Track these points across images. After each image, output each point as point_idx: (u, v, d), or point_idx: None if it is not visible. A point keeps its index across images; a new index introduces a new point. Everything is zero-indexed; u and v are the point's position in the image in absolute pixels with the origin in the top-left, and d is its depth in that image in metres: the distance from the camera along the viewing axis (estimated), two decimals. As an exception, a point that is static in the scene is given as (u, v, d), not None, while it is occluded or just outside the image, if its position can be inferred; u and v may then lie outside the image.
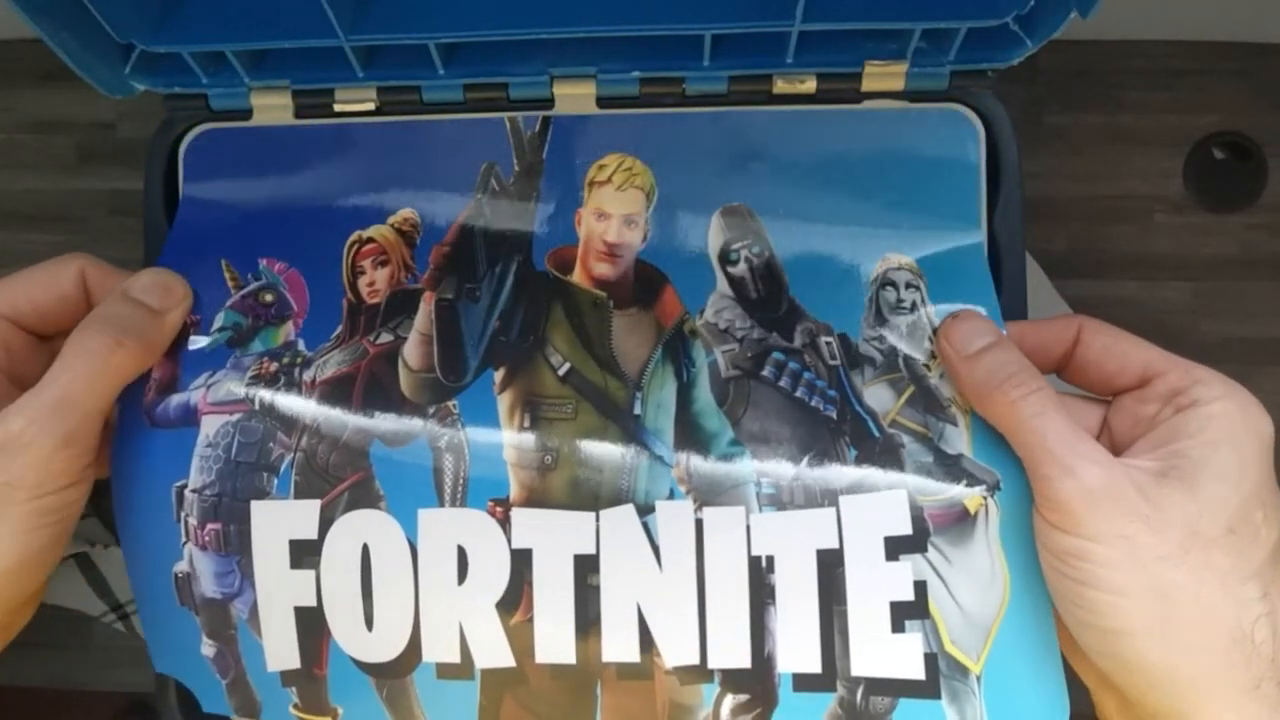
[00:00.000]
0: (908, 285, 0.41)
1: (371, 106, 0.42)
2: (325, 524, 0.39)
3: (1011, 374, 0.36)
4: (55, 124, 0.70)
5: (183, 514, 0.40)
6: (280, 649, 0.39)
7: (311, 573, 0.39)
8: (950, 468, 0.39)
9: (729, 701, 0.39)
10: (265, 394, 0.41)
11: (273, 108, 0.42)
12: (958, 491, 0.39)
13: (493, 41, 0.41)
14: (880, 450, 0.40)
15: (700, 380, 0.40)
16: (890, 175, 0.42)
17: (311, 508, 0.40)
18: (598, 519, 0.39)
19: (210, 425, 0.41)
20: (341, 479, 0.40)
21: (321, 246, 0.42)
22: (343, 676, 0.39)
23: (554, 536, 0.39)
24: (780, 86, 0.42)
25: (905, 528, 0.38)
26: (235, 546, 0.40)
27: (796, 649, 0.39)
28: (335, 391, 0.41)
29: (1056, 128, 0.70)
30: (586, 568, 0.39)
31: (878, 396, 0.40)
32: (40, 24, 0.37)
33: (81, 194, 0.72)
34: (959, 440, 0.39)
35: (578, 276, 0.41)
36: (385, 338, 0.41)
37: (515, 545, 0.39)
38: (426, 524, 0.39)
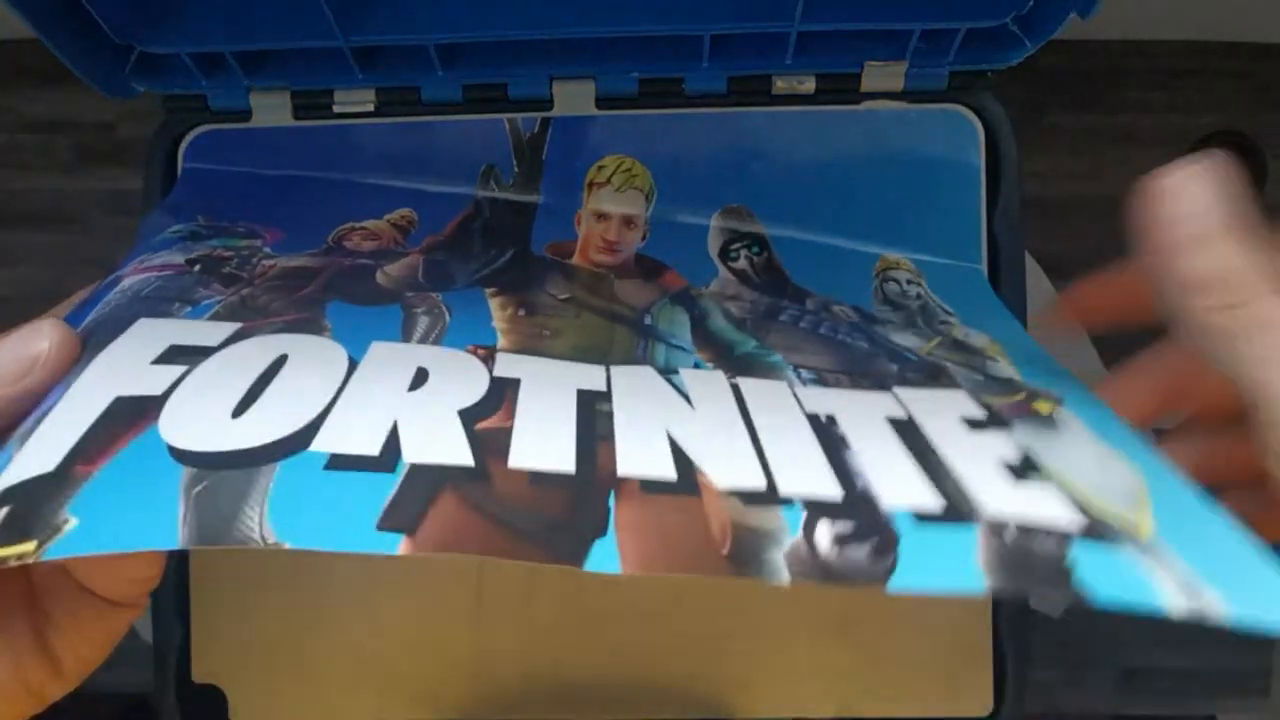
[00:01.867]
0: (909, 281, 0.41)
1: (370, 107, 0.42)
2: (236, 338, 0.30)
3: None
4: (55, 124, 0.70)
5: None
6: (36, 453, 0.25)
7: (180, 368, 0.28)
8: (1005, 383, 0.33)
9: (826, 528, 0.25)
10: (209, 264, 0.35)
11: (272, 108, 0.42)
12: (1022, 397, 0.32)
13: (491, 42, 0.41)
14: (923, 367, 0.34)
15: (713, 315, 0.38)
16: (890, 176, 0.42)
17: (222, 327, 0.30)
18: (608, 370, 0.31)
19: (130, 280, 0.33)
20: (280, 315, 0.32)
21: (311, 229, 0.41)
22: (122, 474, 0.24)
23: (551, 371, 0.31)
24: (779, 87, 0.42)
25: (978, 413, 0.30)
26: (81, 357, 0.29)
27: (901, 484, 0.27)
28: (297, 271, 0.36)
29: (1056, 128, 0.71)
30: (594, 399, 0.29)
31: (907, 340, 0.37)
32: (39, 26, 0.37)
33: (81, 194, 0.72)
34: (1007, 371, 0.34)
35: (577, 261, 0.41)
36: (364, 261, 0.38)
37: (498, 374, 0.30)
38: (380, 350, 0.31)
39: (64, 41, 0.38)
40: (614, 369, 0.31)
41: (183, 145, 0.42)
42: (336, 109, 0.42)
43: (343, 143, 0.42)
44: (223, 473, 0.24)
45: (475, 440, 0.26)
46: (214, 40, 0.40)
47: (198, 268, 0.34)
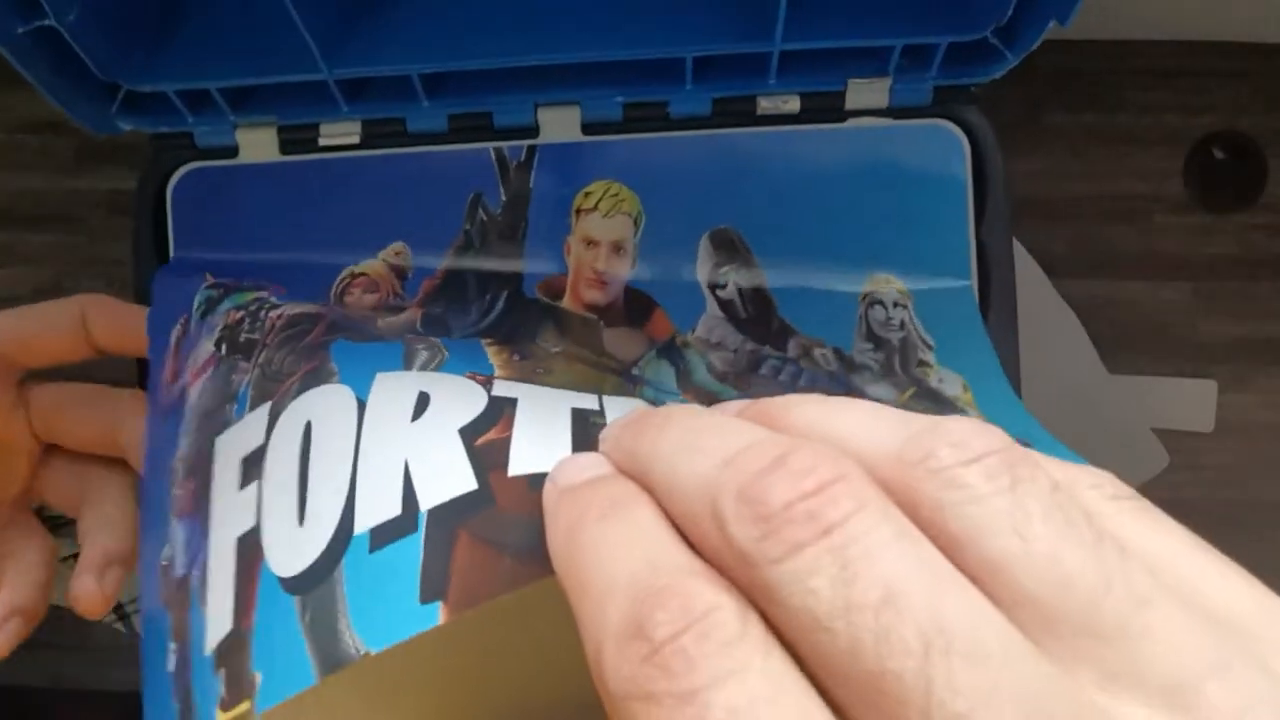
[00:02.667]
0: (895, 304, 0.41)
1: (356, 139, 0.42)
2: (273, 421, 0.32)
3: None
4: (55, 124, 0.71)
5: (173, 491, 0.34)
6: (217, 611, 0.30)
7: (255, 485, 0.31)
8: None
9: None
10: (230, 337, 0.37)
11: (259, 144, 0.42)
12: None
13: (476, 71, 0.41)
14: None
15: (697, 371, 0.39)
16: (877, 192, 0.42)
17: (261, 413, 0.33)
18: (601, 399, 0.32)
19: (194, 394, 0.36)
20: (294, 374, 0.34)
21: (311, 280, 0.42)
22: (267, 621, 0.28)
23: (548, 394, 0.32)
24: (764, 107, 0.42)
25: None
26: (199, 498, 0.33)
27: None
28: (301, 316, 0.37)
29: (1056, 128, 0.70)
30: (589, 416, 0.30)
31: (880, 393, 0.39)
32: (26, 65, 0.37)
33: (81, 194, 0.72)
34: None
35: (568, 303, 0.41)
36: (368, 303, 0.40)
37: (496, 394, 0.31)
38: (383, 382, 0.32)
39: (50, 80, 0.38)
40: (606, 397, 0.32)
41: (170, 184, 0.42)
42: (322, 142, 0.42)
43: (329, 177, 0.42)
44: (314, 592, 0.27)
45: (476, 457, 0.28)
46: (200, 76, 0.40)
47: (224, 348, 0.37)
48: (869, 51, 0.40)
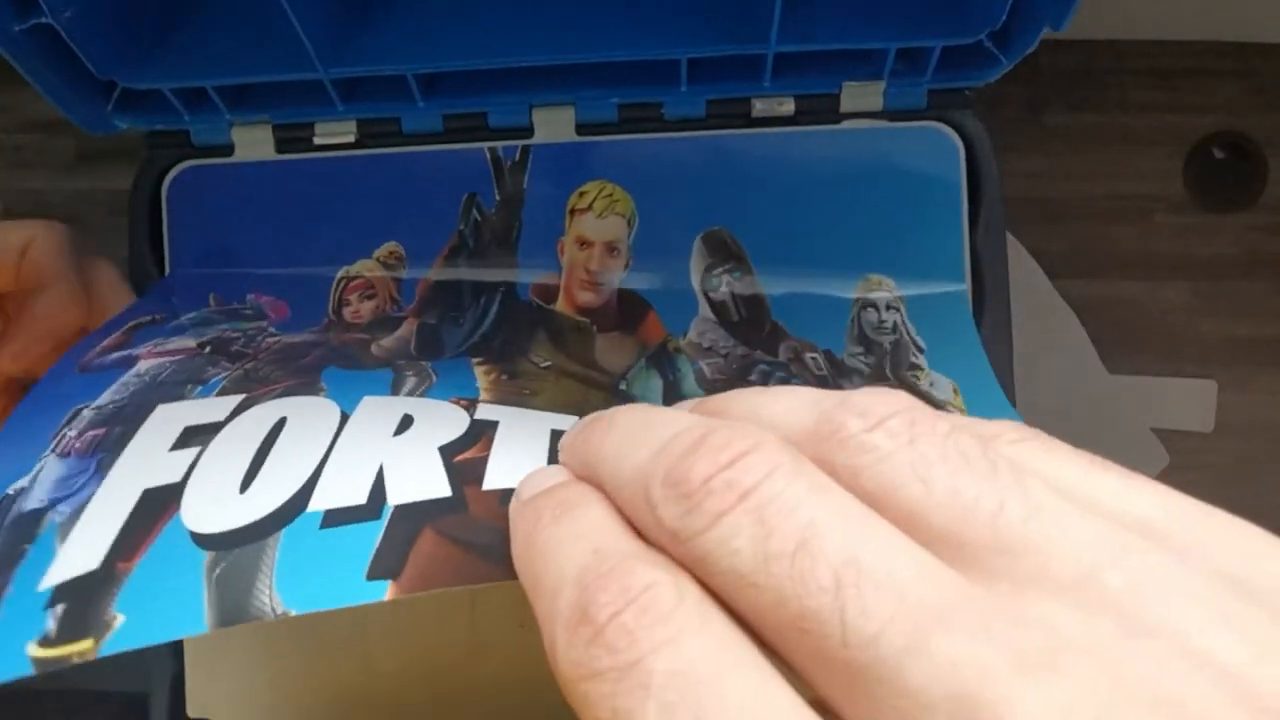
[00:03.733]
0: (888, 306, 0.41)
1: (351, 139, 0.42)
2: (242, 409, 0.31)
3: None
4: (55, 124, 0.70)
5: (62, 430, 0.32)
6: (81, 548, 0.27)
7: (194, 450, 0.30)
8: None
9: None
10: (220, 344, 0.37)
11: (254, 143, 0.42)
12: None
13: (471, 71, 0.41)
14: None
15: (686, 380, 0.39)
16: (871, 195, 0.42)
17: (229, 400, 0.32)
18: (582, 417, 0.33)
19: (146, 363, 0.35)
20: (280, 382, 0.34)
21: (309, 281, 0.42)
22: (156, 566, 0.26)
23: (529, 417, 0.32)
24: (759, 109, 0.42)
25: None
26: (107, 445, 0.31)
27: None
28: (296, 347, 0.38)
29: (1056, 128, 0.70)
30: None
31: None
32: (21, 62, 0.37)
33: (81, 194, 0.72)
34: None
35: (561, 305, 0.41)
36: (361, 336, 0.40)
37: (478, 417, 0.31)
38: (370, 403, 0.32)
39: (46, 77, 0.38)
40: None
41: (166, 181, 0.43)
42: (318, 140, 0.42)
43: (325, 177, 0.43)
44: (235, 551, 0.26)
45: (453, 471, 0.28)
46: (196, 75, 0.40)
47: (208, 349, 0.36)
48: (864, 54, 0.41)
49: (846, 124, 0.42)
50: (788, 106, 0.42)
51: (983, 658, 0.14)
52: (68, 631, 0.24)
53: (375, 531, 0.26)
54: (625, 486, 0.19)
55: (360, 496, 0.27)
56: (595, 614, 0.16)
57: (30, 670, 0.24)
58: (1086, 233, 0.70)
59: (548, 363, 0.40)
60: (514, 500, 0.22)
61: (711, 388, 0.38)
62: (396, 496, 0.27)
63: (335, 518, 0.26)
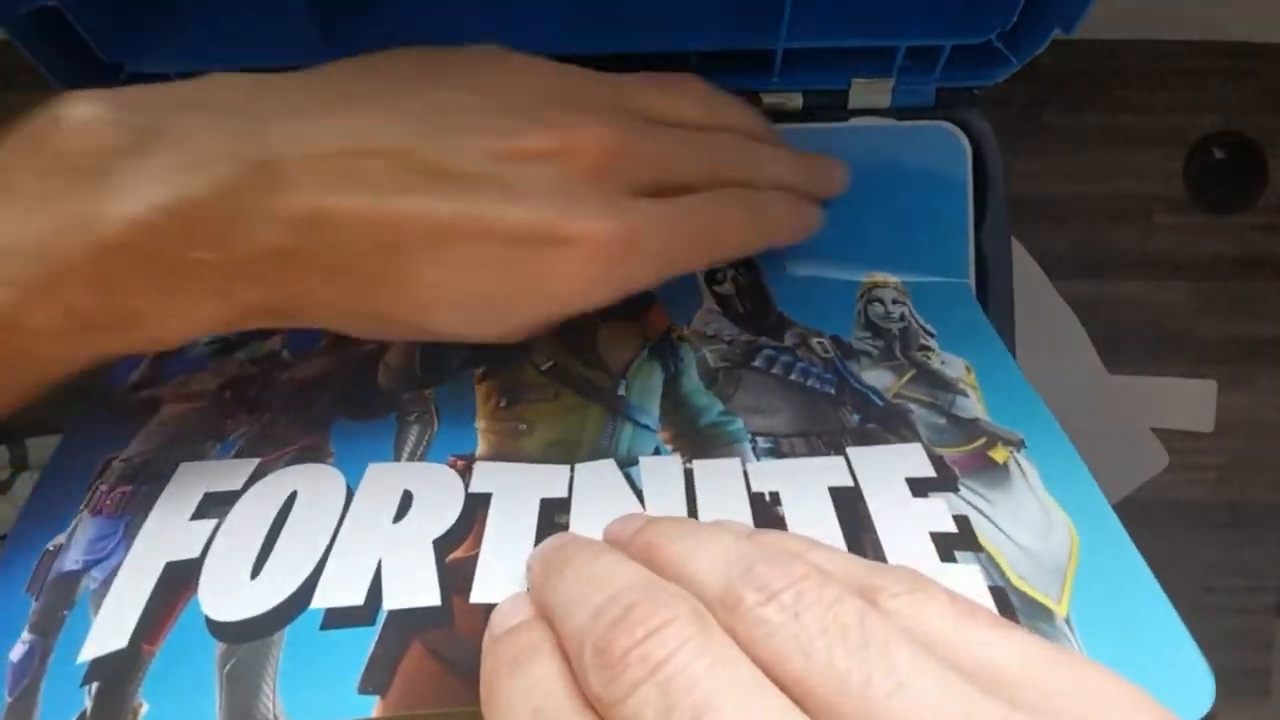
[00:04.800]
0: (894, 301, 0.41)
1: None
2: (258, 476, 0.33)
3: None
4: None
5: (95, 483, 0.34)
6: (112, 624, 0.28)
7: (212, 522, 0.31)
8: (967, 427, 0.35)
9: None
10: (237, 388, 0.38)
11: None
12: (980, 445, 0.34)
13: (475, 61, 0.41)
14: (886, 414, 0.36)
15: (688, 370, 0.39)
16: (877, 192, 0.42)
17: (247, 464, 0.34)
18: (572, 470, 0.34)
19: (169, 410, 0.37)
20: (293, 444, 0.35)
21: None
22: (176, 653, 0.27)
23: (520, 481, 0.33)
24: (767, 103, 0.42)
25: (927, 470, 0.33)
26: (135, 506, 0.32)
27: None
28: (309, 384, 0.39)
29: (1056, 128, 0.70)
30: (555, 509, 0.32)
31: (878, 378, 0.38)
32: (28, 45, 0.37)
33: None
34: (973, 409, 0.36)
35: None
36: (370, 345, 0.40)
37: (473, 490, 0.33)
38: (374, 474, 0.33)
39: (52, 60, 0.38)
40: (578, 468, 0.34)
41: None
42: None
43: None
44: (244, 646, 0.27)
45: (444, 574, 0.29)
46: (202, 58, 0.40)
47: (227, 393, 0.38)
48: (873, 51, 0.41)
49: (854, 121, 0.42)
50: (795, 102, 0.42)
51: None
52: (104, 714, 0.26)
53: (369, 638, 0.27)
54: (569, 640, 0.21)
55: (358, 597, 0.28)
56: None
57: None
58: (1086, 233, 0.70)
59: (549, 363, 0.39)
60: (486, 634, 0.24)
61: (714, 379, 0.38)
62: (391, 600, 0.28)
63: (334, 619, 0.28)
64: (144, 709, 0.26)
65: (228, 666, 0.27)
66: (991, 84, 0.40)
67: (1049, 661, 0.19)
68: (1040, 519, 0.31)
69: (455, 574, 0.29)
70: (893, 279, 0.41)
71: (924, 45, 0.39)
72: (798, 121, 0.42)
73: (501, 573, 0.29)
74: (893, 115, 0.42)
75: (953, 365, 0.38)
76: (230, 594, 0.29)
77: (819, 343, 0.39)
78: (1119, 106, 0.70)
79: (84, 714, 0.26)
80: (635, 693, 0.19)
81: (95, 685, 0.27)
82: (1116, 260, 0.70)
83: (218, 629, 0.28)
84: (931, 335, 0.39)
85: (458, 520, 0.31)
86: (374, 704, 0.25)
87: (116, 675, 0.27)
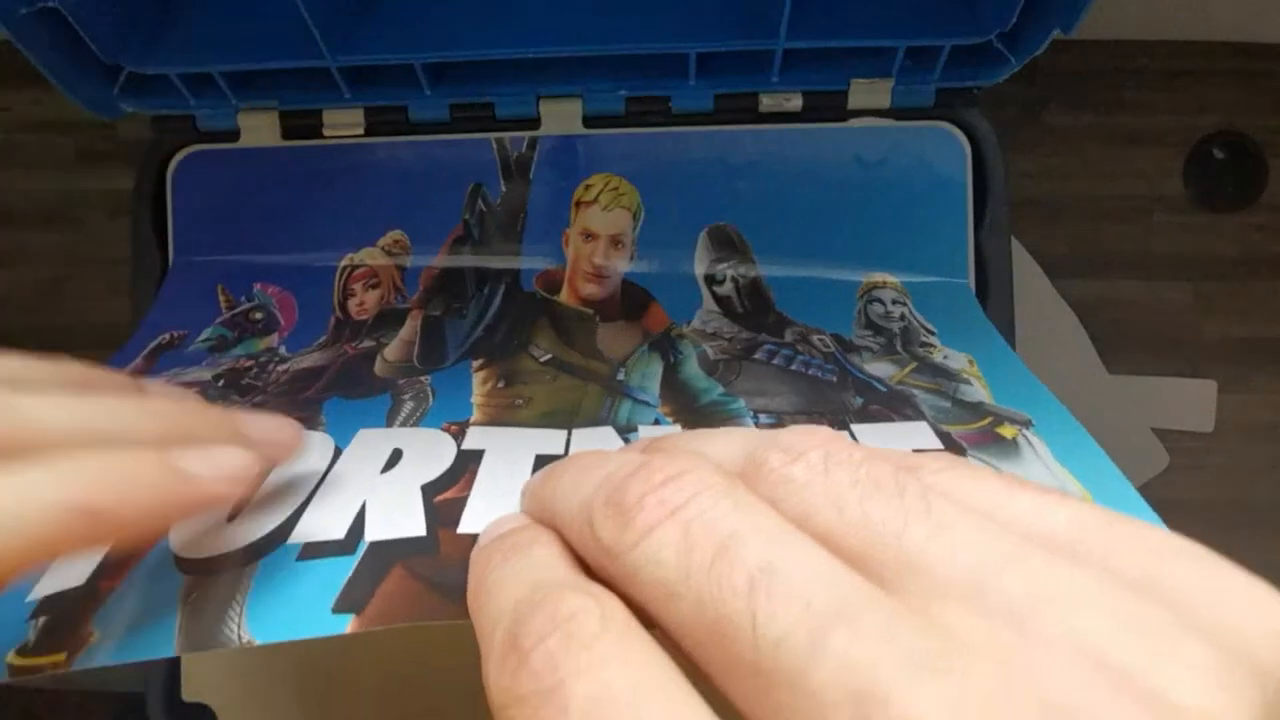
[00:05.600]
0: (894, 301, 0.41)
1: (360, 131, 0.42)
2: None
3: None
4: (55, 124, 0.70)
5: None
6: (71, 564, 0.27)
7: None
8: (973, 408, 0.35)
9: None
10: (232, 377, 0.38)
11: (260, 128, 0.42)
12: (987, 422, 0.34)
13: (479, 61, 0.41)
14: (890, 397, 0.35)
15: (688, 360, 0.39)
16: (877, 192, 0.42)
17: None
18: (569, 433, 0.33)
19: None
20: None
21: (313, 270, 0.42)
22: (135, 589, 0.26)
23: (515, 443, 0.32)
24: (766, 104, 0.42)
25: (935, 444, 0.32)
26: None
27: None
28: (305, 373, 0.38)
29: (1056, 128, 0.70)
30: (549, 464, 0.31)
31: (880, 369, 0.38)
32: (28, 45, 0.37)
33: (81, 194, 0.72)
34: (978, 395, 0.36)
35: (565, 296, 0.41)
36: (367, 344, 0.40)
37: (465, 448, 0.32)
38: (364, 436, 0.32)
39: (53, 61, 0.38)
40: (575, 431, 0.33)
41: (171, 166, 0.42)
42: (326, 132, 0.42)
43: (330, 163, 0.42)
44: (211, 578, 0.26)
45: (431, 512, 0.28)
46: (203, 60, 0.40)
47: (221, 382, 0.37)
48: (873, 52, 0.40)
49: (854, 121, 0.42)
50: (795, 102, 0.42)
51: (881, 659, 0.14)
52: (44, 643, 0.25)
53: (347, 566, 0.26)
54: (574, 518, 0.20)
55: (339, 532, 0.27)
56: (522, 642, 0.17)
57: (4, 676, 0.24)
58: (1086, 233, 0.70)
59: (548, 355, 0.39)
60: (475, 547, 0.23)
61: (715, 369, 0.38)
62: (373, 533, 0.27)
63: (312, 551, 0.27)
64: (93, 637, 0.25)
65: (191, 596, 0.26)
66: (991, 84, 0.40)
67: (1109, 522, 0.17)
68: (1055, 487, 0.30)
69: (443, 510, 0.28)
70: (892, 279, 0.41)
71: (924, 45, 0.39)
72: (797, 122, 0.42)
73: (495, 505, 0.28)
74: (892, 116, 0.42)
75: (955, 359, 0.38)
76: (199, 532, 0.28)
77: (819, 339, 0.39)
78: (1119, 106, 0.70)
79: (25, 645, 0.25)
80: (649, 536, 0.17)
81: (42, 619, 0.26)
82: (1116, 260, 0.70)
83: (186, 564, 0.27)
84: (932, 333, 0.39)
85: (448, 470, 0.30)
86: (348, 621, 0.24)
87: (66, 608, 0.26)
